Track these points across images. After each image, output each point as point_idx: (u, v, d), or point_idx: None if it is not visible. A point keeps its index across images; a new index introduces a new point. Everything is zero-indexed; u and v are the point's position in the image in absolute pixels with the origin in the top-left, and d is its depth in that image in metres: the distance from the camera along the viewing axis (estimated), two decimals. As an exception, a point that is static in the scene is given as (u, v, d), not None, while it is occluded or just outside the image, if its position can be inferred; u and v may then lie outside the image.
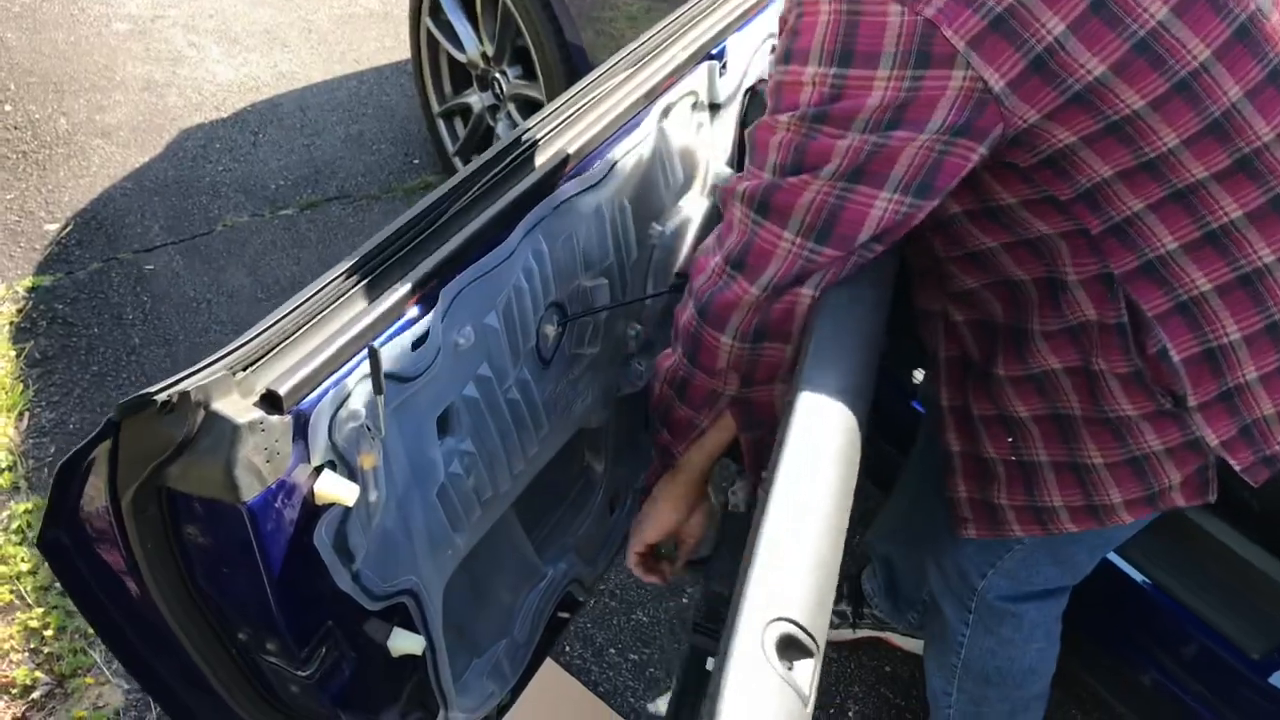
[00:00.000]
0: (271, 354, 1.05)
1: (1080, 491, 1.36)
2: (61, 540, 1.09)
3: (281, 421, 1.02)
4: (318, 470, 1.09)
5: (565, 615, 1.73)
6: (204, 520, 1.05)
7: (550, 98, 2.71)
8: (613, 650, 2.27)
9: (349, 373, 1.09)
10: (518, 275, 1.32)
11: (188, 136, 3.64)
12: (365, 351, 1.09)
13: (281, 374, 1.03)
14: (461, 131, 3.27)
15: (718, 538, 1.54)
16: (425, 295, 1.18)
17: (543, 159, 1.35)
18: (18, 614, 2.26)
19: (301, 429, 1.05)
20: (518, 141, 1.35)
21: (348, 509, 1.12)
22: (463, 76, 3.22)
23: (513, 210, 1.28)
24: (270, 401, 1.02)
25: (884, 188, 1.05)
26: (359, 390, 1.10)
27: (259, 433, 1.00)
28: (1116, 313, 1.20)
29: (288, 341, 1.06)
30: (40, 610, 2.25)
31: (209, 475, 0.99)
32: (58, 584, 2.30)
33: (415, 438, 1.23)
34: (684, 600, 2.36)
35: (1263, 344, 1.23)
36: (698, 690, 1.47)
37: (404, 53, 4.09)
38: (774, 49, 1.22)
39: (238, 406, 1.00)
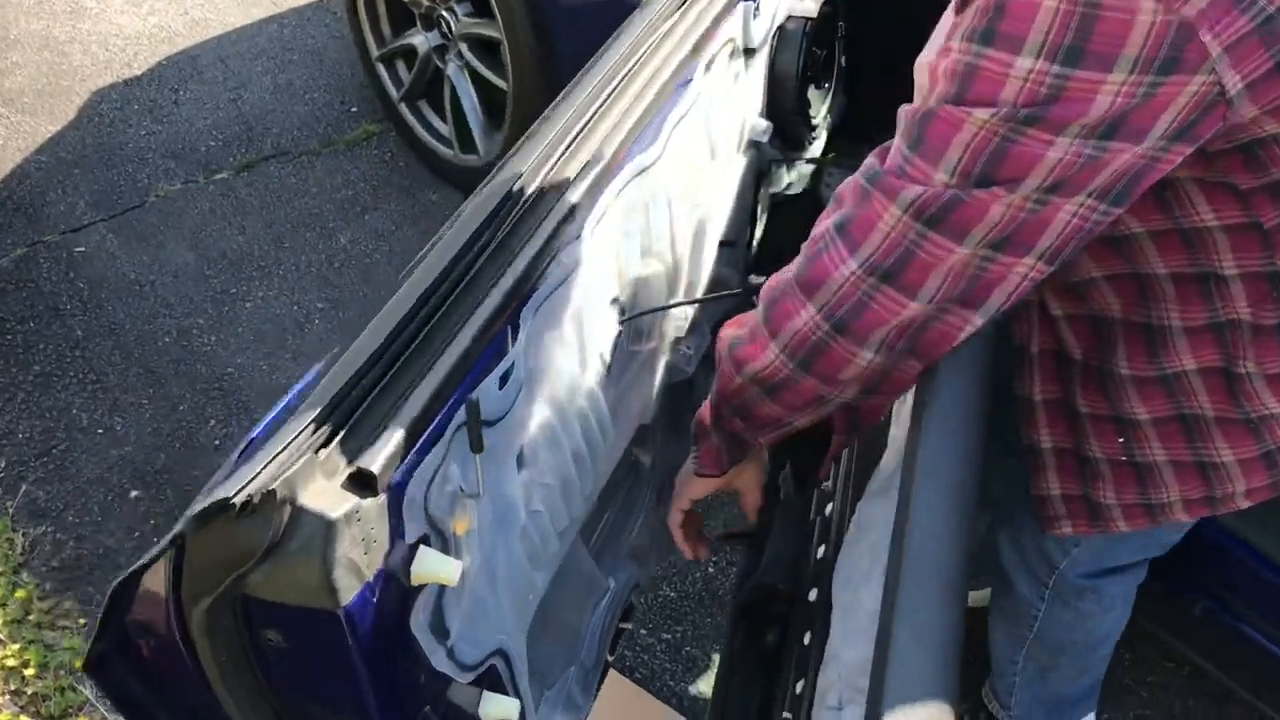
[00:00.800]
0: (353, 421, 0.87)
1: (1202, 485, 1.26)
2: (114, 660, 0.92)
3: (377, 504, 0.86)
4: (412, 548, 0.93)
5: (626, 625, 1.60)
6: (289, 625, 0.89)
7: (511, 36, 2.50)
8: (644, 631, 2.14)
9: (440, 428, 0.92)
10: (587, 277, 1.15)
11: (101, 98, 3.33)
12: (457, 403, 0.92)
13: (369, 445, 0.86)
14: (405, 76, 3.03)
15: (765, 522, 1.43)
16: (508, 321, 1.01)
17: (598, 141, 1.18)
18: (-9, 654, 2.06)
19: (396, 505, 0.89)
20: (559, 122, 1.17)
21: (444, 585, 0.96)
22: (403, 16, 2.97)
23: (583, 205, 1.12)
24: (362, 482, 0.85)
25: (1078, 195, 0.90)
26: (454, 447, 0.94)
27: (355, 524, 0.83)
28: (1276, 312, 1.08)
29: (369, 401, 0.89)
30: (16, 647, 2.05)
31: (303, 581, 0.83)
32: (31, 617, 2.10)
33: (497, 482, 1.07)
34: (710, 570, 2.24)
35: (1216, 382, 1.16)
36: (746, 674, 1.37)
37: (324, -12, 3.80)
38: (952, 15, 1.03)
39: (328, 496, 0.83)
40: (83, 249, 2.84)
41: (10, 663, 2.03)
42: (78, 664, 2.03)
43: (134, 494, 2.30)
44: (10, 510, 2.26)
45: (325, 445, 0.85)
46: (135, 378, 2.52)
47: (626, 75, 1.26)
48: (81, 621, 2.10)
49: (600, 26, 2.29)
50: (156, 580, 0.86)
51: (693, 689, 2.08)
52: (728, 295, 1.45)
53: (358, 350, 0.91)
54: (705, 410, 1.27)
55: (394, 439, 0.87)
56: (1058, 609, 1.61)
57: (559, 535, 1.23)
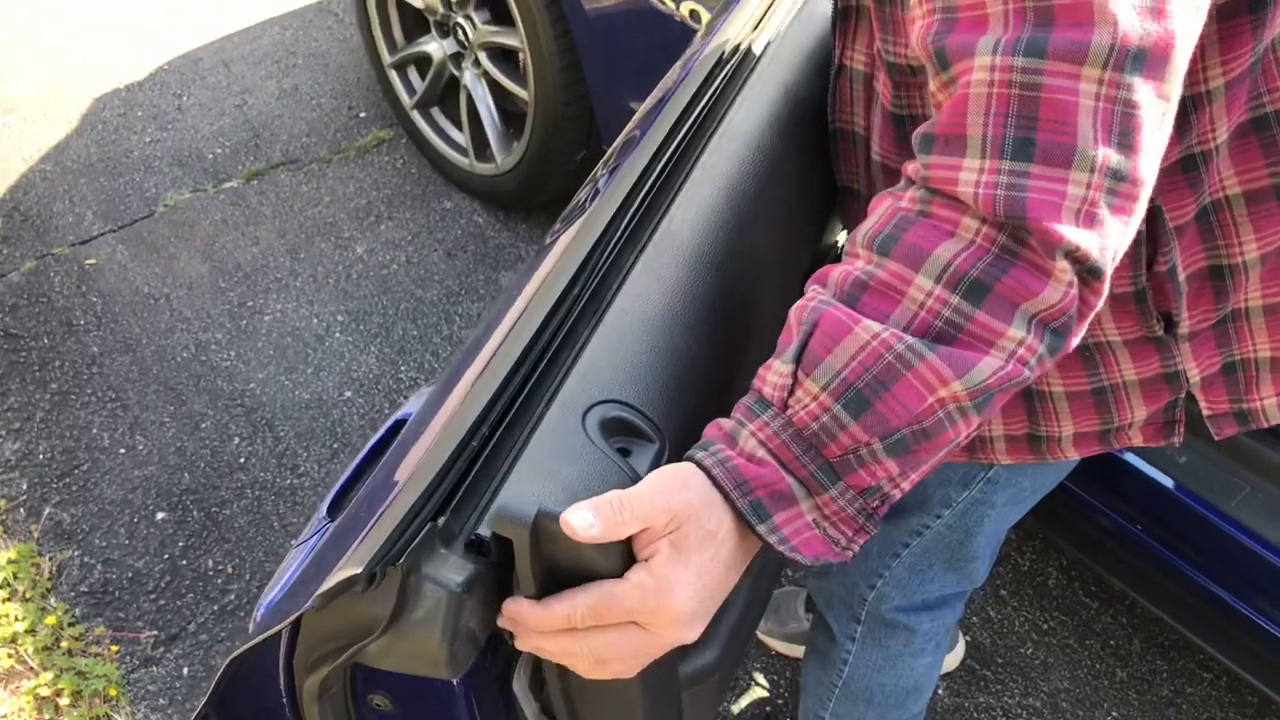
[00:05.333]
0: (466, 485, 0.85)
1: (1025, 420, 1.20)
2: (217, 722, 0.90)
3: (493, 568, 0.84)
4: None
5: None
6: (398, 689, 0.87)
7: (534, 45, 2.47)
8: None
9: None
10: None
11: (103, 105, 3.29)
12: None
13: (484, 510, 0.84)
14: (418, 82, 3.00)
15: None
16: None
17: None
18: (23, 681, 2.03)
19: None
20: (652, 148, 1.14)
21: None
22: (417, 22, 2.93)
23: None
24: (479, 549, 0.83)
25: None
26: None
27: (474, 592, 0.81)
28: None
29: (480, 465, 0.87)
30: (49, 675, 2.02)
31: (423, 653, 0.80)
32: (62, 644, 2.08)
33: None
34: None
35: (1278, 266, 1.08)
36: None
37: (326, -9, 3.76)
38: None
39: (449, 565, 0.80)
40: (93, 261, 2.81)
41: (44, 692, 2.01)
42: (112, 692, 2.00)
43: (160, 515, 2.27)
44: (35, 534, 2.23)
45: (441, 513, 0.83)
46: (155, 395, 2.49)
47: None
48: (114, 648, 2.07)
49: (628, 37, 2.28)
50: (274, 651, 0.84)
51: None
52: None
53: (464, 412, 0.89)
54: (796, 442, 0.79)
55: (513, 499, 0.85)
56: (868, 648, 1.58)
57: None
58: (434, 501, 0.83)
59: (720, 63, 1.19)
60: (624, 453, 0.88)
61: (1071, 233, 0.76)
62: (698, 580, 0.77)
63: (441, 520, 0.83)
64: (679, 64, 1.56)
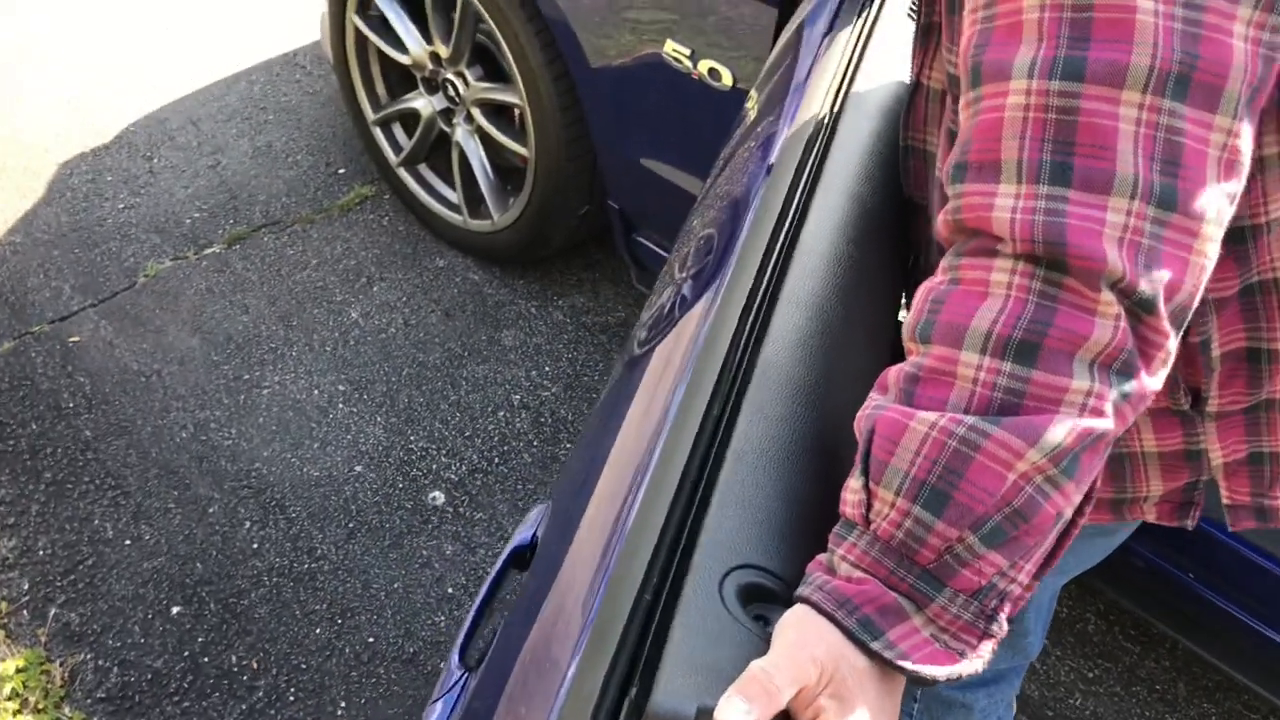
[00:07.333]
0: (646, 655, 0.79)
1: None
2: None
3: None
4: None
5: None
6: None
7: (534, 103, 2.41)
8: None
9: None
10: None
11: (70, 170, 3.17)
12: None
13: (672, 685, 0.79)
14: (404, 138, 2.93)
15: None
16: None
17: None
18: (44, 800, 1.92)
19: None
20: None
21: None
22: (401, 78, 2.86)
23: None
24: None
25: None
26: None
27: None
28: None
29: (652, 635, 0.80)
30: (71, 791, 1.92)
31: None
32: (83, 755, 1.97)
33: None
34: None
35: None
36: None
37: (292, 41, 3.67)
38: None
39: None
40: (76, 338, 2.69)
41: (66, 809, 1.90)
42: (143, 806, 1.90)
43: (175, 610, 2.17)
44: (43, 638, 2.12)
45: (627, 684, 0.77)
46: (156, 480, 2.39)
47: None
48: (141, 758, 1.97)
49: (638, 93, 2.23)
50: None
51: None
52: None
53: (617, 587, 0.82)
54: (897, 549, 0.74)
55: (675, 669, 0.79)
56: None
57: None
58: (618, 671, 0.78)
59: (799, 169, 1.15)
60: (761, 620, 0.83)
61: (1114, 261, 0.73)
62: (874, 718, 0.72)
63: (632, 692, 0.77)
64: (737, 143, 1.52)
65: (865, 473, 0.76)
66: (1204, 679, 2.17)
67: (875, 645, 0.72)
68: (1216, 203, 0.76)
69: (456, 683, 0.98)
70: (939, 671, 0.72)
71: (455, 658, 1.00)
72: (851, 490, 0.77)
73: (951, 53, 0.99)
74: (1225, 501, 1.12)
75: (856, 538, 0.75)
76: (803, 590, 0.75)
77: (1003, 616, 0.75)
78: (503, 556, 1.03)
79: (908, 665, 0.71)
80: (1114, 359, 0.74)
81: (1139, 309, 0.74)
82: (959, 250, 0.79)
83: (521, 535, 1.03)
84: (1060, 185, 0.74)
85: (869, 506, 0.75)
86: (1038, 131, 0.76)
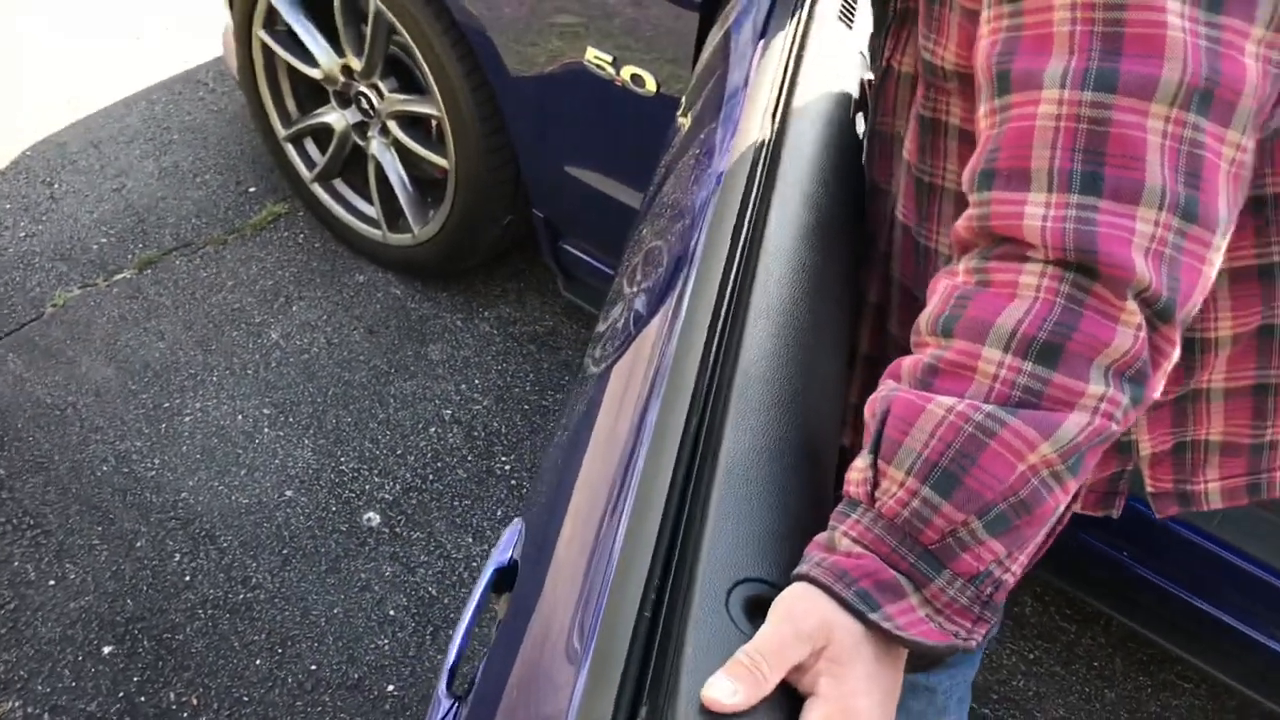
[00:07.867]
0: (648, 688, 0.78)
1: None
2: None
3: None
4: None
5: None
6: None
7: (454, 115, 2.38)
8: None
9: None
10: None
11: (-35, 200, 3.05)
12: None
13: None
14: (317, 154, 2.87)
15: None
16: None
17: None
18: None
19: None
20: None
21: None
22: (311, 92, 2.81)
23: None
24: None
25: None
26: None
27: None
28: None
29: (651, 673, 0.79)
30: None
31: None
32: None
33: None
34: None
35: (1247, 349, 1.06)
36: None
37: (193, 58, 3.58)
38: None
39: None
40: (-17, 374, 2.59)
41: None
42: None
43: (107, 649, 2.10)
44: (-32, 687, 2.04)
45: (636, 704, 0.76)
46: (78, 516, 2.31)
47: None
48: (81, 806, 1.90)
49: (561, 100, 2.22)
50: None
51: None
52: None
53: (617, 600, 0.80)
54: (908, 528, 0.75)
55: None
56: None
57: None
58: (623, 702, 0.76)
59: (750, 178, 1.15)
60: None
61: (1142, 270, 0.75)
62: (872, 685, 0.73)
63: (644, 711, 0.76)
64: (678, 151, 1.51)
65: (875, 451, 0.76)
66: (1138, 653, 2.23)
67: (874, 616, 0.72)
68: (1226, 215, 0.79)
69: (448, 712, 0.96)
70: (935, 644, 0.73)
71: (443, 687, 0.98)
72: (857, 470, 0.78)
73: (930, 40, 1.00)
74: (1149, 490, 1.15)
75: (860, 515, 0.76)
76: (801, 568, 0.75)
77: (995, 605, 0.76)
78: (484, 580, 1.01)
79: (906, 635, 0.72)
80: (1129, 366, 0.76)
81: (1157, 318, 0.76)
82: (985, 254, 0.80)
83: (499, 557, 1.01)
84: (1091, 195, 0.76)
85: (875, 485, 0.76)
86: (1069, 141, 0.78)
